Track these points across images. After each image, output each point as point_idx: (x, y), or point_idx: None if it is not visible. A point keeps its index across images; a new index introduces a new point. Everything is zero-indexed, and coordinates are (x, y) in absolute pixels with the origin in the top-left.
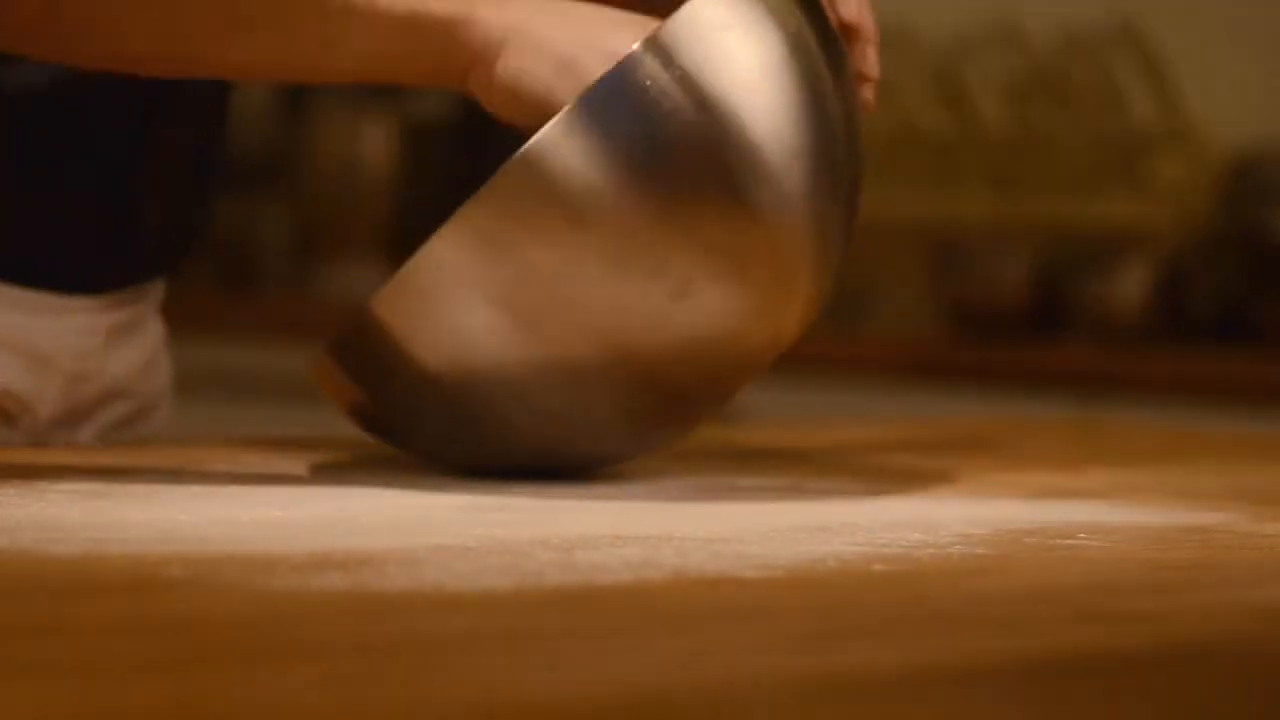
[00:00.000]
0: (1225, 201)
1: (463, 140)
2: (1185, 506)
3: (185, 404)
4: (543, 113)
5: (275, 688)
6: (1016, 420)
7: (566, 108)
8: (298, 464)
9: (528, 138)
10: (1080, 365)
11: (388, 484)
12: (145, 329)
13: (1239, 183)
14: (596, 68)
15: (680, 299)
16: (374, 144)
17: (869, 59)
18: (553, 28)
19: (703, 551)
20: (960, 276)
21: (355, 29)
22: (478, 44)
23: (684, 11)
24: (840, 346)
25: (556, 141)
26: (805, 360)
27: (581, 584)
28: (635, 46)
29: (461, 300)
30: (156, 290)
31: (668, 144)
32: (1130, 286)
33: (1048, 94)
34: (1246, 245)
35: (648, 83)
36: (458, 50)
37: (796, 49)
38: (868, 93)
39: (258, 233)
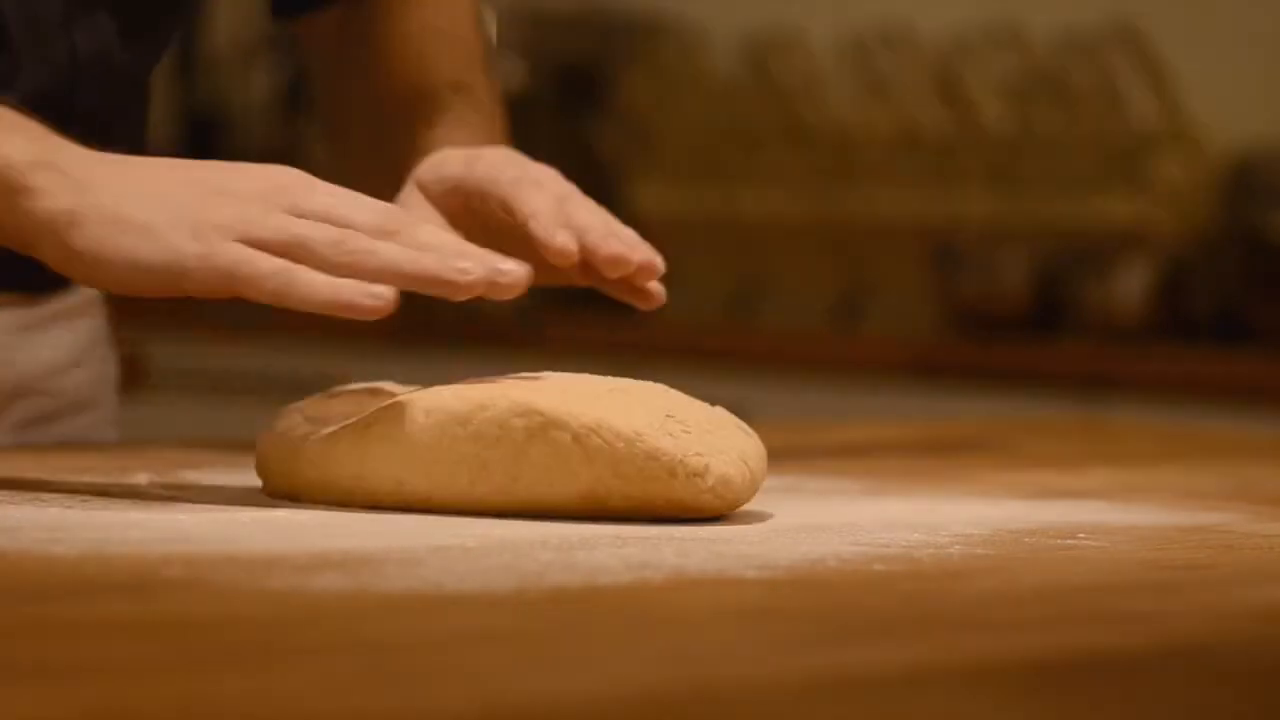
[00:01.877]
0: (1225, 201)
1: None
2: (1185, 506)
3: (186, 404)
4: (128, 276)
5: (275, 688)
6: (1016, 420)
7: None
8: None
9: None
10: (1080, 365)
11: None
12: (70, 327)
13: (1239, 183)
14: (181, 239)
15: None
16: None
17: (646, 252)
18: (122, 198)
19: (703, 551)
20: (960, 276)
21: None
22: (41, 215)
23: None
24: (840, 346)
25: None
26: (805, 360)
27: (581, 584)
28: None
29: None
30: (85, 291)
31: None
32: (1130, 286)
33: (1048, 94)
34: (1246, 245)
35: None
36: (19, 218)
37: None
38: (655, 286)
39: None
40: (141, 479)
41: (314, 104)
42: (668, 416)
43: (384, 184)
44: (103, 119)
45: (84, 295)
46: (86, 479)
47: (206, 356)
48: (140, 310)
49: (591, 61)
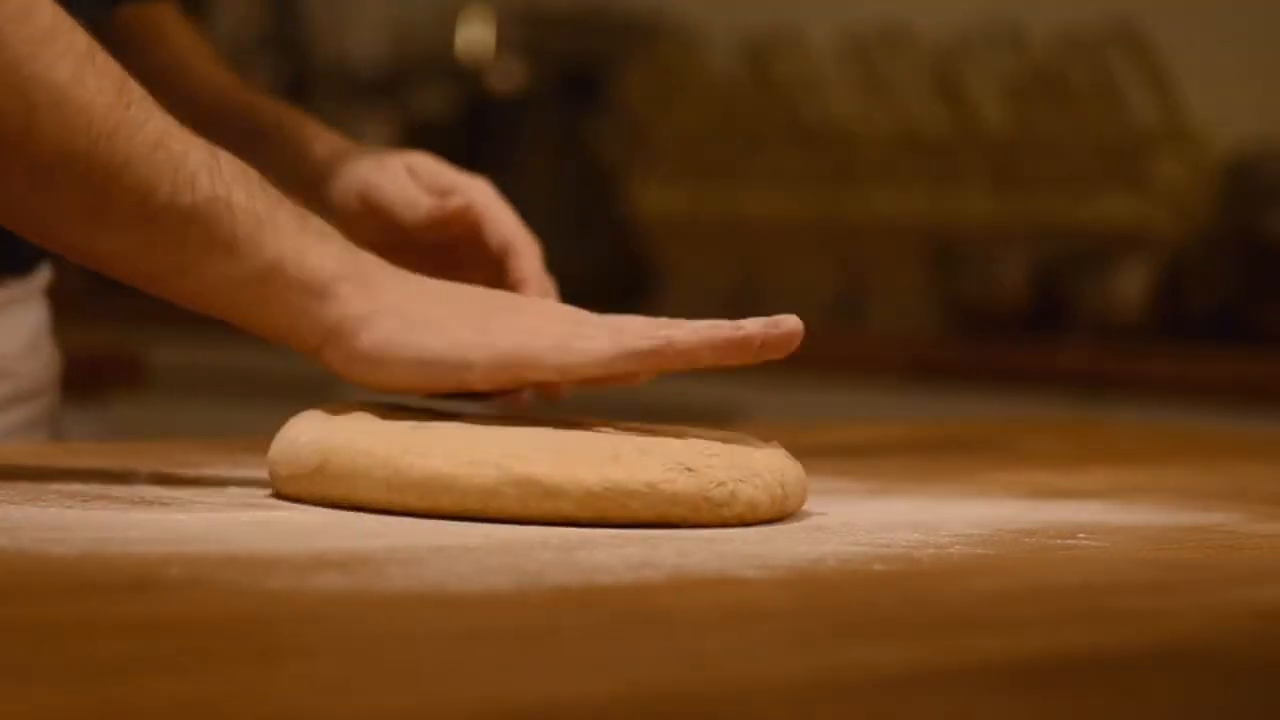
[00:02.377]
0: (1225, 201)
1: (463, 140)
2: (1185, 506)
3: (186, 404)
4: (413, 372)
5: (275, 688)
6: (1016, 420)
7: None
8: None
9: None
10: (1080, 365)
11: None
12: (26, 310)
13: (1239, 183)
14: (466, 333)
15: None
16: (374, 144)
17: (533, 268)
18: (413, 301)
19: (703, 551)
20: (960, 276)
21: (212, 264)
22: (333, 319)
23: None
24: (840, 346)
25: None
26: (805, 360)
27: (581, 584)
28: None
29: None
30: (39, 275)
31: None
32: (1130, 286)
33: (1048, 94)
34: (1246, 245)
35: None
36: (312, 321)
37: None
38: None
39: None
40: (141, 479)
41: None
42: (690, 446)
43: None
44: None
45: (28, 284)
46: (86, 479)
47: (206, 356)
48: (140, 310)
49: (591, 61)
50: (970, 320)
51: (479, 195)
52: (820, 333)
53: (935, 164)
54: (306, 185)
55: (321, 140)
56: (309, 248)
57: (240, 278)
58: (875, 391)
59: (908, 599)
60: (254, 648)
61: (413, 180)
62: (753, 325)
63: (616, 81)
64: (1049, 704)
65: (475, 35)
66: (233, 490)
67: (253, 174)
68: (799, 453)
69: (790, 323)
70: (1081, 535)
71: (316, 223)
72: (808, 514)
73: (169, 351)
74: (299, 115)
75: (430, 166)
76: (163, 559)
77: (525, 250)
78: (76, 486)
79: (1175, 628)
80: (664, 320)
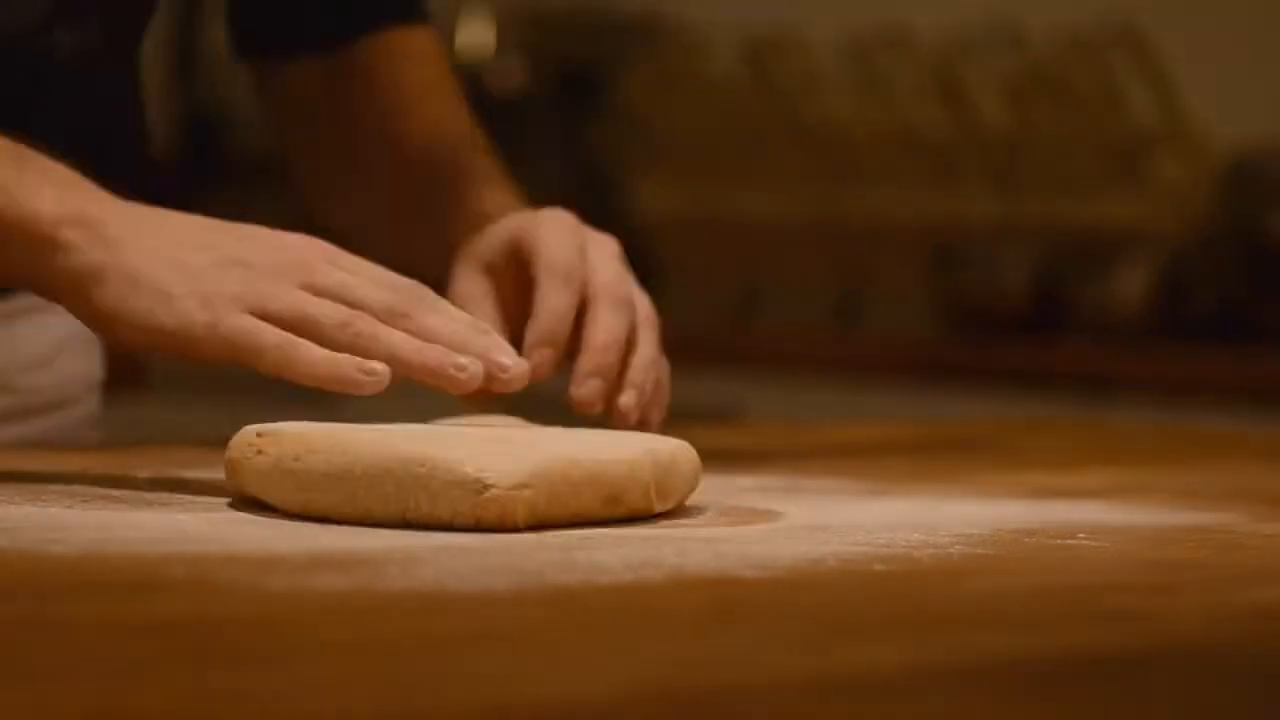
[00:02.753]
0: (1225, 201)
1: None
2: (1185, 506)
3: (186, 404)
4: (144, 340)
5: (275, 688)
6: (1016, 420)
7: None
8: None
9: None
10: (1080, 365)
11: None
12: (40, 324)
13: (1239, 183)
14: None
15: None
16: None
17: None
18: (144, 259)
19: (703, 551)
20: (960, 276)
21: None
22: (65, 272)
23: None
24: (840, 346)
25: None
26: (805, 360)
27: (581, 584)
28: None
29: None
30: None
31: None
32: (1130, 286)
33: (1048, 94)
34: (1246, 245)
35: None
36: (45, 271)
37: None
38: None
39: None
40: (141, 479)
41: (290, 158)
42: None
43: (428, 249)
44: (92, 115)
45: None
46: (86, 479)
47: None
48: None
49: (591, 61)
50: (970, 320)
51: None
52: (820, 333)
53: (935, 164)
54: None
55: (508, 223)
56: (26, 189)
57: None
58: (875, 391)
59: (908, 599)
60: (254, 648)
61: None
62: (474, 367)
63: (616, 81)
64: (1049, 704)
65: (475, 35)
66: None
67: None
68: (799, 452)
69: (511, 373)
70: (1081, 535)
71: (40, 163)
72: (808, 514)
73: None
74: (509, 194)
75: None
76: (163, 559)
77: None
78: (76, 486)
79: (1175, 628)
80: (425, 303)
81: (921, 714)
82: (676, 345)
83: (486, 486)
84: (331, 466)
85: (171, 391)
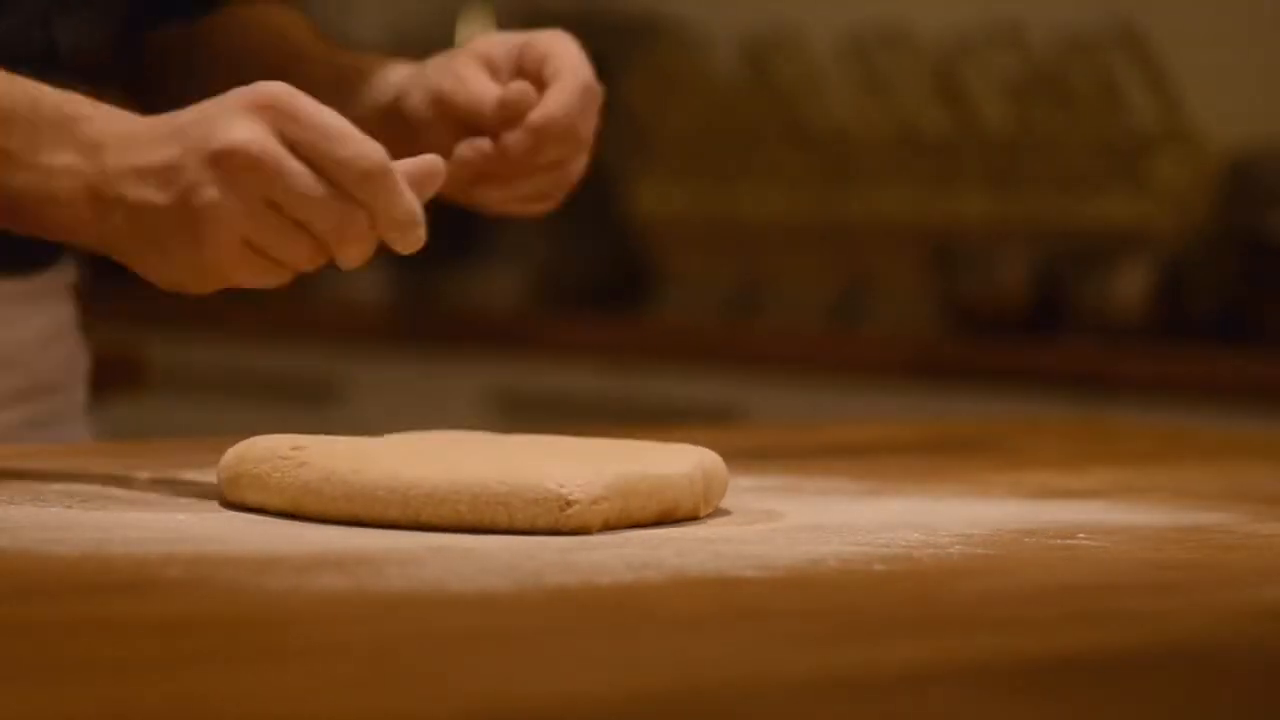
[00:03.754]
0: (1225, 201)
1: None
2: (1185, 506)
3: (185, 404)
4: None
5: (275, 688)
6: (1016, 420)
7: None
8: None
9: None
10: (1080, 365)
11: None
12: (39, 309)
13: (1239, 183)
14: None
15: None
16: None
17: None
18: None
19: (703, 551)
20: (960, 276)
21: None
22: (85, 238)
23: None
24: (840, 346)
25: None
26: (805, 360)
27: (581, 584)
28: None
29: None
30: (61, 271)
31: None
32: (1130, 286)
33: (1048, 94)
34: (1246, 245)
35: None
36: (72, 235)
37: None
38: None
39: None
40: (141, 479)
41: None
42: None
43: None
44: None
45: (53, 280)
46: (86, 479)
47: (206, 356)
48: (140, 310)
49: (591, 61)
50: (970, 320)
51: (556, 48)
52: (820, 333)
53: (935, 164)
54: (385, 111)
55: (397, 68)
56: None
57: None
58: (875, 391)
59: (908, 599)
60: (254, 648)
61: (484, 69)
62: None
63: (616, 81)
64: (1049, 704)
65: (475, 35)
66: None
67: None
68: (799, 452)
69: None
70: (1081, 535)
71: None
72: (808, 514)
73: (168, 351)
74: (383, 58)
75: (502, 46)
76: (163, 559)
77: (563, 84)
78: (76, 486)
79: (1175, 628)
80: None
81: (921, 714)
82: (677, 345)
83: (570, 503)
84: (398, 481)
85: (171, 391)
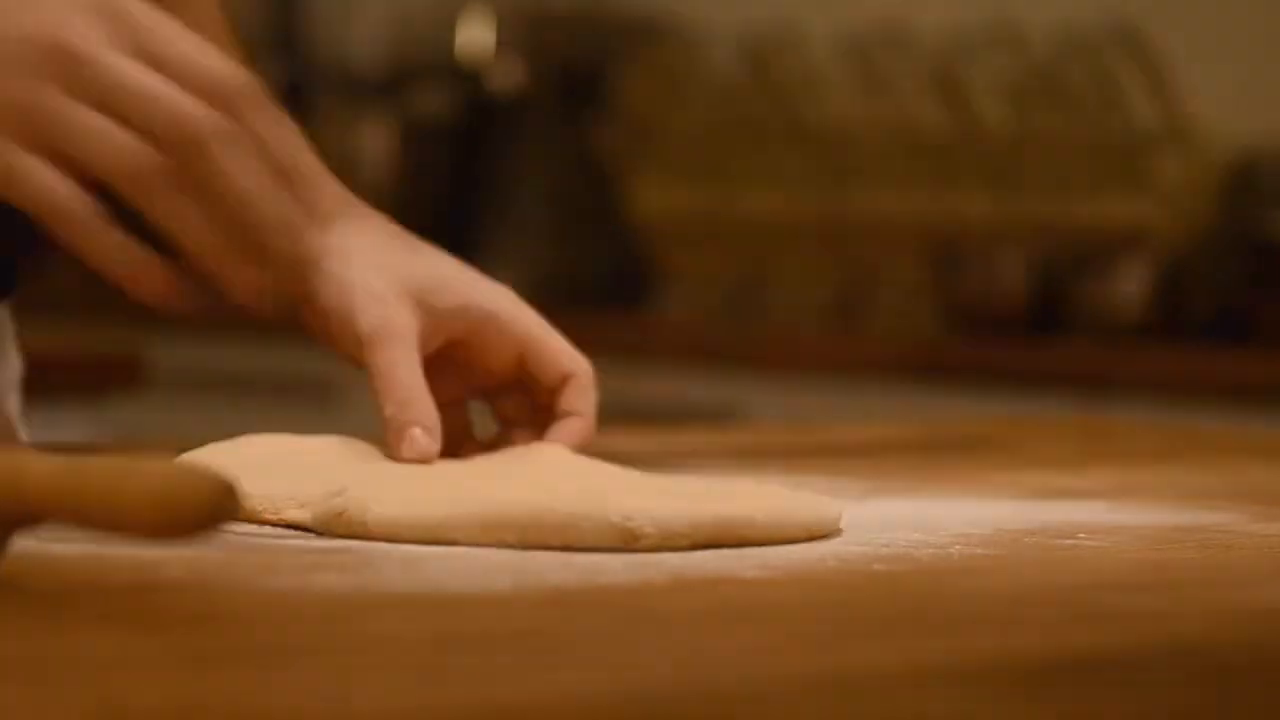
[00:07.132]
0: (1225, 201)
1: (463, 140)
2: (1185, 506)
3: (186, 404)
4: None
5: (275, 688)
6: (1016, 420)
7: None
8: None
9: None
10: (1080, 365)
11: None
12: None
13: (1239, 183)
14: None
15: None
16: (374, 144)
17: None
18: None
19: (703, 551)
20: (960, 276)
21: None
22: None
23: None
24: (840, 346)
25: None
26: (805, 360)
27: (581, 584)
28: None
29: None
30: None
31: None
32: (1130, 286)
33: (1048, 94)
34: (1246, 245)
35: None
36: None
37: None
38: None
39: None
40: None
41: None
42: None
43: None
44: None
45: None
46: None
47: (206, 356)
48: (140, 310)
49: (591, 61)
50: (970, 320)
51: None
52: (820, 333)
53: (935, 164)
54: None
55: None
56: None
57: None
58: (875, 391)
59: (908, 599)
60: (254, 648)
61: (418, 307)
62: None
63: (616, 81)
64: (1049, 704)
65: (475, 35)
66: None
67: None
68: (799, 452)
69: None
70: (1081, 535)
71: None
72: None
73: (168, 351)
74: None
75: (443, 289)
76: (162, 559)
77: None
78: None
79: (1175, 628)
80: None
81: (921, 714)
82: (677, 345)
83: (638, 537)
84: (489, 513)
85: (171, 391)
